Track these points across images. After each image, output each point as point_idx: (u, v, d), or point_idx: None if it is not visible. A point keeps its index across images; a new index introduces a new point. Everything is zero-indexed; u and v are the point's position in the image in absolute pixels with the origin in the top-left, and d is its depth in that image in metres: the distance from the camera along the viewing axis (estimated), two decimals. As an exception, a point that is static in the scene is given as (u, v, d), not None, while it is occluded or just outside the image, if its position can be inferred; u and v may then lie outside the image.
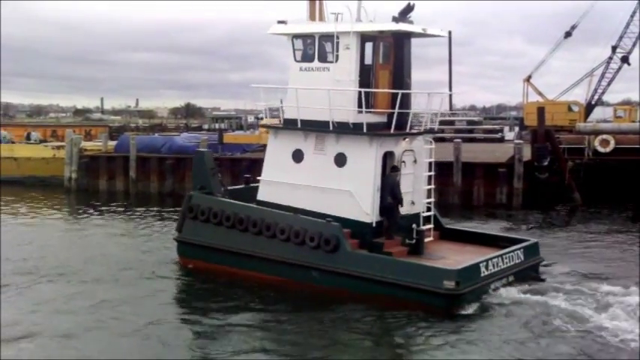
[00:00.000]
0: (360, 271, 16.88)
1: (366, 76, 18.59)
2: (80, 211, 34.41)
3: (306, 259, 17.68)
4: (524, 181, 34.94)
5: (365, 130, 17.85)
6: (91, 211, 34.16)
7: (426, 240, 18.72)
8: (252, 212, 18.99)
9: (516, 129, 66.51)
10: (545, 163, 35.20)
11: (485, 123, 70.02)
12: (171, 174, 40.42)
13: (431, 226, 19.36)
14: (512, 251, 18.24)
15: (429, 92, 19.54)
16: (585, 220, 31.18)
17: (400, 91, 17.99)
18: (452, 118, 65.88)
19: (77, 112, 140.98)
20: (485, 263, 16.96)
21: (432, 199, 19.53)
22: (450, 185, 35.75)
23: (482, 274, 16.79)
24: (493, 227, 29.37)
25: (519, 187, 34.89)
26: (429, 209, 19.52)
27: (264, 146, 40.66)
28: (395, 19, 18.11)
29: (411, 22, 18.49)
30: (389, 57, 18.89)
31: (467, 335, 14.54)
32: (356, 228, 17.93)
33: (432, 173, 19.53)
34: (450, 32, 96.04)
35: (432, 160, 19.53)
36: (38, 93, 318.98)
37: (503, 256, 17.75)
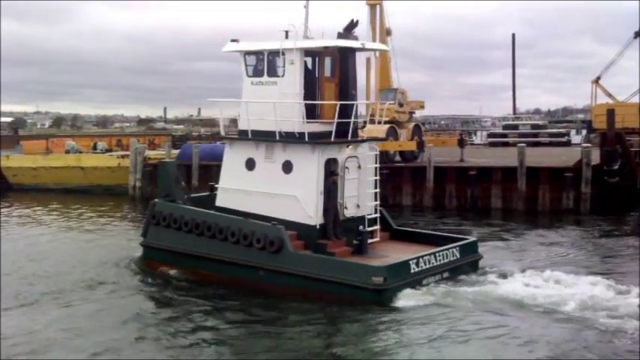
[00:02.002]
0: (301, 270, 18.16)
1: (312, 88, 19.93)
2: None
3: (254, 259, 18.96)
4: (592, 185, 33.76)
5: (307, 139, 19.08)
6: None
7: (374, 240, 20.18)
8: (207, 217, 20.29)
9: (584, 132, 64.67)
10: (616, 167, 33.94)
11: (550, 126, 68.35)
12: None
13: (377, 227, 20.57)
14: (447, 249, 19.40)
15: (367, 102, 20.86)
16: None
17: (338, 102, 19.43)
18: (515, 122, 64.49)
19: (141, 121, 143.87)
20: (415, 260, 18.21)
21: (378, 202, 20.89)
22: (514, 190, 34.99)
23: (412, 271, 18.03)
24: (562, 233, 28.61)
25: (587, 192, 33.74)
26: (381, 212, 21.11)
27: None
28: (340, 35, 19.56)
29: (355, 38, 19.92)
30: (334, 71, 20.38)
31: (389, 324, 16.00)
32: (301, 230, 19.18)
33: (377, 178, 20.91)
34: (513, 35, 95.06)
35: (377, 165, 20.88)
36: (105, 104, 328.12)
37: (437, 254, 18.94)
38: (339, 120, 19.45)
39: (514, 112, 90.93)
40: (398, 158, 41.72)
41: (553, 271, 19.79)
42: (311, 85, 20.01)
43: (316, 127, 19.68)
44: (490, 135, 63.80)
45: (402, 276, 17.79)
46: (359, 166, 20.42)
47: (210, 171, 41.05)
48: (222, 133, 21.99)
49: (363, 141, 20.65)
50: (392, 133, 40.72)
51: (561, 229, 29.79)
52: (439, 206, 36.29)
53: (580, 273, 20.13)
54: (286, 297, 17.90)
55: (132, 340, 15.39)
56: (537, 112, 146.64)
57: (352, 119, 19.66)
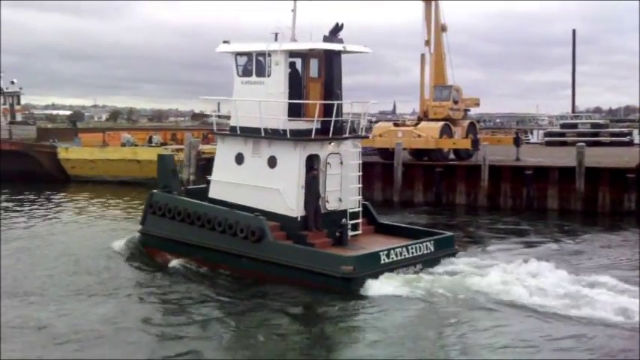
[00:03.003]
0: (279, 259, 19.37)
1: (298, 88, 21.06)
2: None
3: (237, 247, 20.20)
4: (656, 187, 32.66)
5: (289, 135, 20.22)
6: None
7: (357, 233, 21.31)
8: (197, 208, 21.59)
9: (646, 132, 62.73)
10: (680, 169, 32.75)
11: (611, 126, 66.42)
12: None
13: (359, 220, 21.52)
14: (421, 242, 20.40)
15: (351, 102, 21.93)
16: None
17: (318, 102, 20.49)
18: (574, 121, 62.93)
19: (195, 116, 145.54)
20: (386, 252, 19.28)
21: (360, 197, 21.89)
22: (572, 191, 34.08)
23: (382, 262, 19.07)
24: (624, 236, 27.76)
25: (650, 193, 32.64)
26: (364, 206, 22.24)
27: (378, 150, 41.13)
28: (325, 38, 20.71)
29: (340, 41, 20.87)
30: (320, 71, 21.42)
31: (352, 308, 17.38)
32: (284, 221, 20.37)
33: (360, 174, 21.89)
34: (574, 30, 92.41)
35: (360, 161, 21.92)
36: (160, 98, 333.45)
37: (409, 247, 19.95)
38: (323, 119, 20.63)
39: (573, 111, 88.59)
40: (452, 156, 41.12)
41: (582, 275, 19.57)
42: (297, 85, 21.10)
43: (301, 124, 20.75)
44: (547, 134, 62.25)
45: (372, 266, 18.86)
46: (341, 162, 21.45)
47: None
48: (215, 129, 23.17)
49: (345, 138, 21.59)
50: (446, 131, 40.21)
51: (622, 232, 28.86)
52: (494, 206, 35.62)
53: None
54: (265, 284, 19.23)
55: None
56: (598, 110, 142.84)
57: (333, 118, 20.56)
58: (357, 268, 18.43)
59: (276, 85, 20.69)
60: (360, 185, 21.97)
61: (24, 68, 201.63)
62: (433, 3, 42.13)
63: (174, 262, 21.55)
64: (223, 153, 22.33)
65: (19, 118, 59.82)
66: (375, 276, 18.62)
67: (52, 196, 41.12)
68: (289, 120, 20.56)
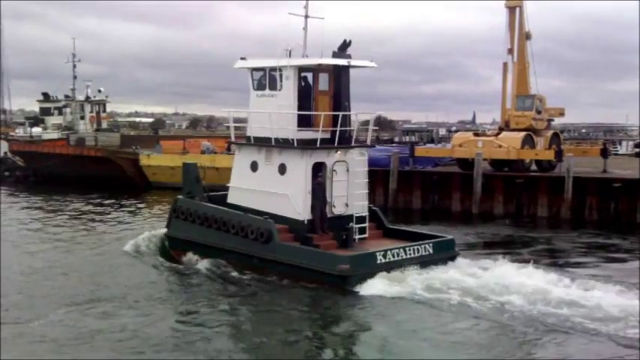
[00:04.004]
0: (285, 258, 20.82)
1: (308, 100, 22.30)
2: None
3: (249, 248, 21.63)
4: None
5: (296, 144, 21.66)
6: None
7: (363, 236, 22.38)
8: (215, 212, 23.10)
9: None
10: None
11: None
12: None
13: (366, 224, 22.59)
14: (420, 244, 21.43)
15: (356, 113, 22.95)
16: None
17: (323, 113, 21.72)
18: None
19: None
20: (383, 253, 20.44)
21: (367, 202, 22.99)
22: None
23: (378, 262, 20.22)
24: None
25: None
26: (371, 211, 23.34)
27: (457, 160, 40.35)
28: (334, 54, 22.00)
29: (348, 56, 22.11)
30: (329, 85, 22.69)
31: (350, 302, 18.76)
32: (292, 224, 21.83)
33: (366, 180, 23.12)
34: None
35: (366, 169, 23.19)
36: (236, 106, 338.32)
37: (407, 248, 21.03)
38: (331, 129, 22.01)
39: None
40: (534, 167, 39.89)
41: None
42: (307, 97, 22.36)
43: (310, 134, 22.01)
44: (638, 145, 59.64)
45: (368, 266, 20.05)
46: (347, 170, 22.58)
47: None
48: (233, 139, 25.00)
49: (351, 147, 22.77)
50: (528, 142, 39.04)
51: None
52: (578, 219, 34.26)
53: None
54: (273, 281, 20.77)
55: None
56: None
57: (338, 128, 21.86)
58: (352, 267, 19.77)
59: (286, 98, 22.08)
60: (367, 191, 23.20)
61: (110, 77, 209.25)
62: (517, 10, 41.10)
63: (197, 263, 22.93)
64: (240, 161, 23.87)
65: (104, 125, 61.88)
66: (371, 275, 19.79)
67: (137, 203, 42.17)
68: (299, 130, 21.89)
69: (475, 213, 36.39)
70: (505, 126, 41.46)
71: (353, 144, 22.88)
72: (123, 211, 38.85)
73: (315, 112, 22.15)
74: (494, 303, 17.93)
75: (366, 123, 24.70)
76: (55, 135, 59.46)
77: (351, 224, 22.00)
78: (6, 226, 31.80)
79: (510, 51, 41.49)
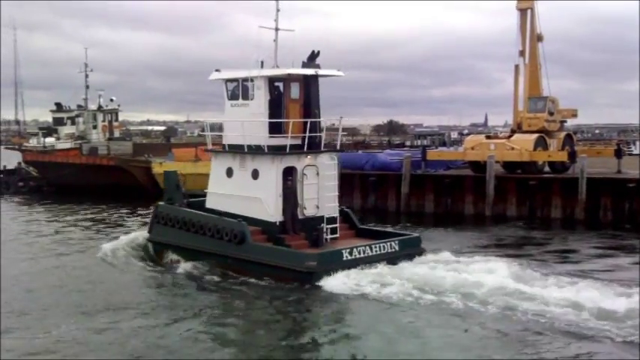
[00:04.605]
0: (257, 258, 21.93)
1: (279, 108, 23.44)
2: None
3: (224, 249, 22.71)
4: None
5: (266, 150, 22.88)
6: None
7: (334, 236, 23.39)
8: (192, 216, 24.34)
9: None
10: None
11: None
12: (374, 190, 40.36)
13: (336, 225, 23.62)
14: (385, 242, 22.52)
15: (321, 119, 23.77)
16: None
17: (291, 120, 22.85)
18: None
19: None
20: (349, 250, 21.53)
21: (337, 204, 24.01)
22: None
23: (344, 259, 21.27)
24: None
25: None
26: (344, 212, 24.61)
27: (469, 163, 40.18)
28: (304, 64, 23.16)
29: (316, 66, 23.22)
30: (299, 93, 23.70)
31: (315, 296, 19.87)
32: (265, 226, 22.95)
33: (336, 183, 24.20)
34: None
35: (335, 172, 24.24)
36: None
37: (372, 246, 22.07)
38: (302, 135, 23.06)
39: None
40: (547, 169, 39.63)
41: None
42: (279, 106, 23.49)
43: (281, 140, 22.99)
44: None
45: (334, 262, 21.08)
46: (317, 173, 23.58)
47: (353, 180, 41.03)
48: (209, 147, 26.11)
49: (317, 152, 23.70)
50: (541, 143, 38.82)
51: None
52: (592, 221, 33.97)
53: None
54: (247, 280, 21.65)
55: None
56: None
57: (307, 134, 22.95)
58: (319, 264, 20.83)
59: (258, 107, 23.27)
60: (337, 194, 24.19)
61: (121, 86, 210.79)
62: (529, 11, 40.93)
63: (177, 265, 23.84)
64: (216, 168, 25.00)
65: (116, 134, 62.07)
66: (337, 271, 20.80)
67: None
68: (270, 137, 23.05)
69: (488, 215, 36.18)
70: (517, 128, 41.26)
71: (322, 149, 24.00)
72: (135, 218, 38.89)
73: (284, 120, 23.19)
74: (452, 298, 18.50)
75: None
76: (68, 145, 59.65)
77: (322, 225, 22.95)
78: (21, 236, 32.07)
79: (522, 53, 41.36)
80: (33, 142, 63.83)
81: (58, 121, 64.26)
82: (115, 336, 16.53)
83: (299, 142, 23.23)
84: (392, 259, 21.96)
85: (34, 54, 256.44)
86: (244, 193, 23.60)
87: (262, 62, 23.12)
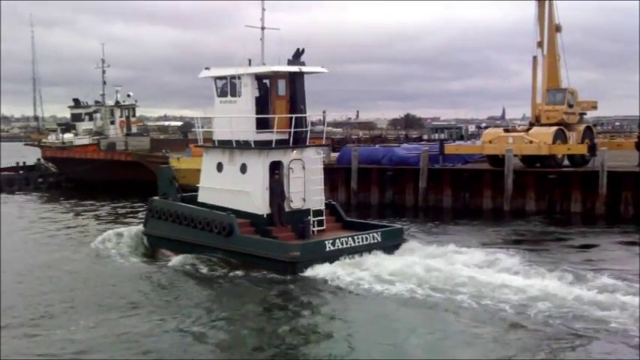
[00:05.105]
0: (245, 249, 22.79)
1: (266, 104, 24.29)
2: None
3: (214, 241, 23.59)
4: None
5: (253, 145, 23.70)
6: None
7: (321, 228, 24.14)
8: (184, 210, 25.26)
9: None
10: None
11: None
12: (392, 185, 40.16)
13: (322, 217, 24.40)
14: (368, 233, 23.27)
15: (306, 115, 24.56)
16: None
17: (276, 116, 23.65)
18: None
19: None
20: (331, 241, 22.30)
21: (323, 197, 24.73)
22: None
23: (327, 249, 22.08)
24: None
25: None
26: (330, 205, 25.48)
27: (487, 156, 39.84)
28: (289, 62, 23.96)
29: (301, 64, 24.05)
30: (285, 90, 24.50)
31: (298, 284, 20.71)
32: (252, 218, 23.79)
33: (322, 177, 24.77)
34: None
35: (321, 166, 24.91)
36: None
37: (355, 237, 22.79)
38: (288, 130, 23.86)
39: None
40: (566, 162, 39.20)
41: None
42: (265, 102, 24.35)
43: (268, 136, 23.72)
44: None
45: (316, 253, 21.94)
46: (303, 167, 24.29)
47: (370, 174, 40.88)
48: (200, 143, 26.95)
49: (306, 146, 24.57)
50: (560, 136, 38.38)
51: None
52: (613, 215, 33.53)
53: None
54: (236, 269, 22.47)
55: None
56: None
57: (292, 129, 23.80)
58: (302, 254, 21.65)
59: (245, 103, 24.12)
60: (323, 187, 24.85)
61: (138, 81, 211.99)
62: (547, 2, 40.42)
63: (171, 257, 24.52)
64: (207, 163, 25.84)
65: (134, 130, 62.31)
66: (320, 261, 21.66)
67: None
68: (257, 132, 23.88)
69: (506, 210, 35.87)
70: (536, 121, 40.80)
71: (308, 144, 24.80)
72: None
73: (270, 116, 23.94)
74: (423, 287, 19.25)
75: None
76: (86, 140, 60.01)
77: (309, 217, 23.65)
78: (38, 232, 32.37)
79: (540, 44, 40.79)
80: (52, 138, 64.26)
81: (76, 117, 64.64)
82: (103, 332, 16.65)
83: (286, 137, 24.07)
84: (373, 250, 22.80)
85: (51, 50, 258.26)
86: (233, 187, 24.47)
87: (250, 60, 24.11)
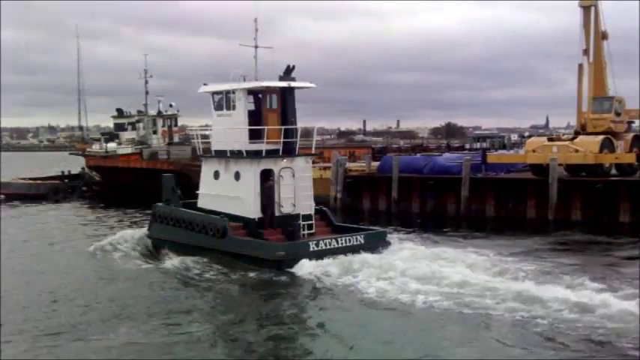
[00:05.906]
0: (237, 249, 24.74)
1: (259, 117, 26.27)
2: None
3: (209, 243, 25.56)
4: None
5: (245, 155, 25.79)
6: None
7: (310, 232, 25.80)
8: (183, 214, 27.41)
9: None
10: None
11: None
12: (433, 194, 39.68)
13: (311, 222, 26.11)
14: (351, 236, 24.95)
15: (297, 127, 26.49)
16: None
17: (266, 127, 25.70)
18: None
19: (341, 134, 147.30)
20: (315, 242, 24.09)
21: (313, 203, 26.55)
22: None
23: (310, 249, 23.79)
24: None
25: None
26: (321, 211, 27.40)
27: (530, 166, 39.15)
28: (280, 78, 26.01)
29: (292, 79, 26.07)
30: (277, 104, 26.57)
31: (283, 280, 22.52)
32: (245, 222, 25.75)
33: (311, 184, 26.61)
34: None
35: (311, 174, 26.98)
36: (306, 117, 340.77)
37: (338, 239, 24.55)
38: (279, 140, 25.84)
39: None
40: (614, 172, 38.28)
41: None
42: (258, 115, 26.33)
43: (260, 146, 25.74)
44: None
45: (302, 253, 23.66)
46: (293, 175, 26.08)
47: (410, 183, 40.50)
48: (199, 153, 29.07)
49: (296, 156, 26.41)
50: (607, 145, 37.53)
51: None
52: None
53: None
54: (229, 268, 24.27)
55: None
56: None
57: (281, 139, 25.83)
58: (287, 253, 23.55)
59: (239, 116, 26.21)
60: (312, 193, 26.60)
61: (180, 91, 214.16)
62: (593, 9, 39.67)
63: (172, 258, 26.15)
64: (206, 171, 27.94)
65: (176, 139, 62.86)
66: (304, 260, 23.26)
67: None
68: (250, 142, 25.87)
69: (551, 219, 35.14)
70: (581, 129, 40.02)
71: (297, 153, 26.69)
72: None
73: (261, 127, 25.81)
74: (404, 288, 20.15)
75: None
76: (129, 150, 60.73)
77: (299, 221, 25.36)
78: (81, 238, 32.81)
79: (586, 52, 40.08)
80: (95, 148, 65.19)
81: (119, 127, 65.52)
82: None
83: (278, 147, 26.03)
84: (356, 251, 24.28)
85: (95, 61, 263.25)
86: (228, 193, 26.48)
87: (244, 77, 26.11)
